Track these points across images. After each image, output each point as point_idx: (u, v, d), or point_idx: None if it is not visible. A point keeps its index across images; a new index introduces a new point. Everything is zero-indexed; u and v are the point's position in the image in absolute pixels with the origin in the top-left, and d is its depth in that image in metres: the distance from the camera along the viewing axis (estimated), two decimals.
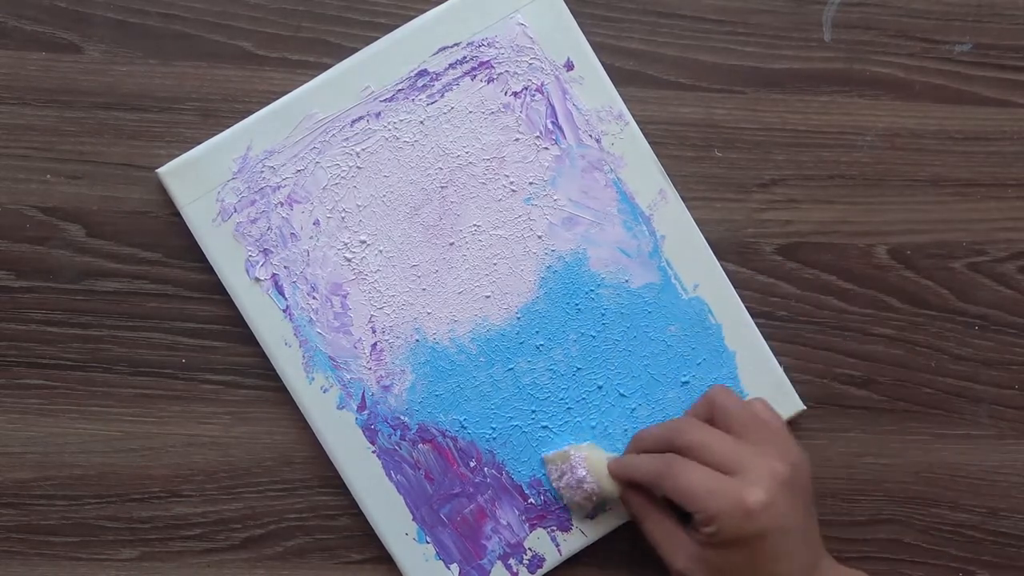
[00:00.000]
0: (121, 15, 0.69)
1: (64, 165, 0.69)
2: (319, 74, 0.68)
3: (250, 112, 0.68)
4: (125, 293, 0.70)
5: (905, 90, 0.71)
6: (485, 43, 0.68)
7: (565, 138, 0.69)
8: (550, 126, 0.69)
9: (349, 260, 0.68)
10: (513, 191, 0.68)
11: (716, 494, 0.61)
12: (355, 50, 0.68)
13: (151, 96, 0.69)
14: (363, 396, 0.68)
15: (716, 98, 0.71)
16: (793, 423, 0.71)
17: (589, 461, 0.67)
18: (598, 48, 0.69)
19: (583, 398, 0.69)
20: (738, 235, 0.71)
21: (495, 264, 0.69)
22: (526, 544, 0.69)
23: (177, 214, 0.69)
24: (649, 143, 0.69)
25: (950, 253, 0.71)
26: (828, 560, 0.65)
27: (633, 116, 0.69)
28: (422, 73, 0.68)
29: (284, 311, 0.68)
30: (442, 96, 0.68)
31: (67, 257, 0.69)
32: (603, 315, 0.69)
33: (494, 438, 0.69)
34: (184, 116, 0.69)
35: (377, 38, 0.68)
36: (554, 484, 0.69)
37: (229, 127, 0.68)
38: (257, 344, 0.69)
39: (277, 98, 0.68)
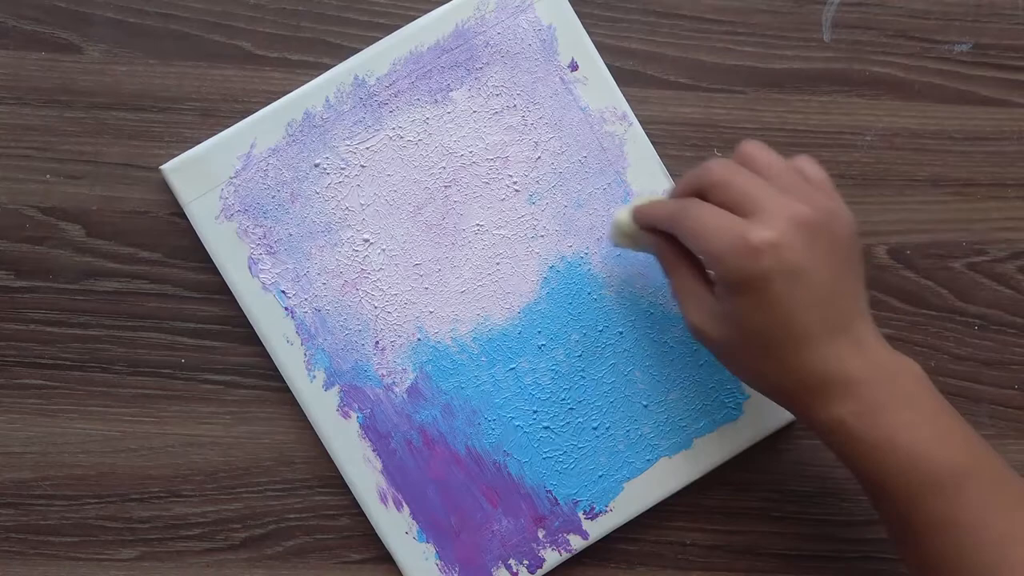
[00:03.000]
0: (121, 15, 0.69)
1: (64, 165, 0.69)
2: (319, 74, 0.68)
3: (250, 112, 0.68)
4: (125, 293, 0.69)
5: (905, 90, 0.71)
6: (489, 43, 0.68)
7: (569, 139, 0.69)
8: (554, 126, 0.69)
9: (352, 258, 0.68)
10: (516, 191, 0.69)
11: (721, 232, 0.55)
12: (355, 50, 0.69)
13: (151, 96, 0.69)
14: (364, 395, 0.68)
15: (716, 98, 0.71)
16: (793, 422, 0.71)
17: (634, 203, 0.64)
18: (598, 48, 0.69)
19: (585, 398, 0.69)
20: None
21: (497, 264, 0.69)
22: (527, 544, 0.69)
23: (177, 214, 0.69)
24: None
25: (950, 253, 0.71)
26: (868, 327, 0.58)
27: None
28: (425, 72, 0.68)
29: (286, 309, 0.68)
30: (446, 95, 0.68)
31: (67, 257, 0.69)
32: (605, 315, 0.69)
33: (495, 438, 0.69)
34: (184, 116, 0.69)
35: (377, 38, 0.68)
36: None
37: (229, 127, 0.67)
38: (257, 344, 0.69)
39: (277, 98, 0.68)
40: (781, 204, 0.56)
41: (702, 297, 0.60)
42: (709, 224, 0.56)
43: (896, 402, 0.56)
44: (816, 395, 0.57)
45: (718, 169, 0.58)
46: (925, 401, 0.58)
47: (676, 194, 0.62)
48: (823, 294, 0.56)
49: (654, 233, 0.62)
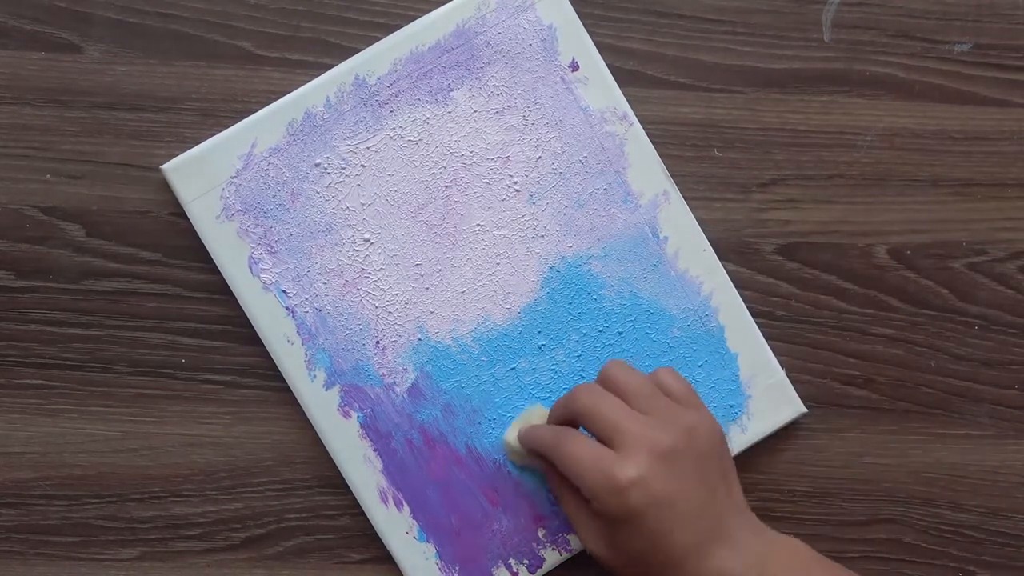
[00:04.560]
0: (121, 15, 0.69)
1: (64, 165, 0.69)
2: (319, 74, 0.68)
3: (250, 112, 0.68)
4: (125, 293, 0.69)
5: (905, 90, 0.71)
6: (490, 42, 0.68)
7: (569, 139, 0.69)
8: (554, 126, 0.69)
9: (353, 258, 0.68)
10: (517, 191, 0.69)
11: (592, 470, 0.59)
12: (355, 50, 0.68)
13: (151, 96, 0.69)
14: (365, 394, 0.68)
15: (716, 98, 0.71)
16: (793, 423, 0.71)
17: (521, 423, 0.68)
18: (599, 48, 0.69)
19: None
20: (738, 235, 0.71)
21: (498, 264, 0.69)
22: (527, 544, 0.69)
23: (177, 214, 0.69)
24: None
25: (950, 253, 0.71)
26: (744, 524, 0.62)
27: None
28: (426, 72, 0.68)
29: (287, 309, 0.68)
30: (446, 95, 0.68)
31: (67, 257, 0.69)
32: (605, 316, 0.69)
33: (496, 437, 0.69)
34: (184, 116, 0.69)
35: (378, 38, 0.68)
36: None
37: (229, 127, 0.67)
38: (257, 344, 0.69)
39: (277, 98, 0.68)
40: (641, 437, 0.59)
41: (591, 523, 0.63)
42: (580, 460, 0.60)
43: None
44: None
45: (583, 397, 0.62)
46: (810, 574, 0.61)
47: (553, 419, 0.66)
48: (693, 513, 0.60)
49: (540, 457, 0.65)
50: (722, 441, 0.63)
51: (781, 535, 0.62)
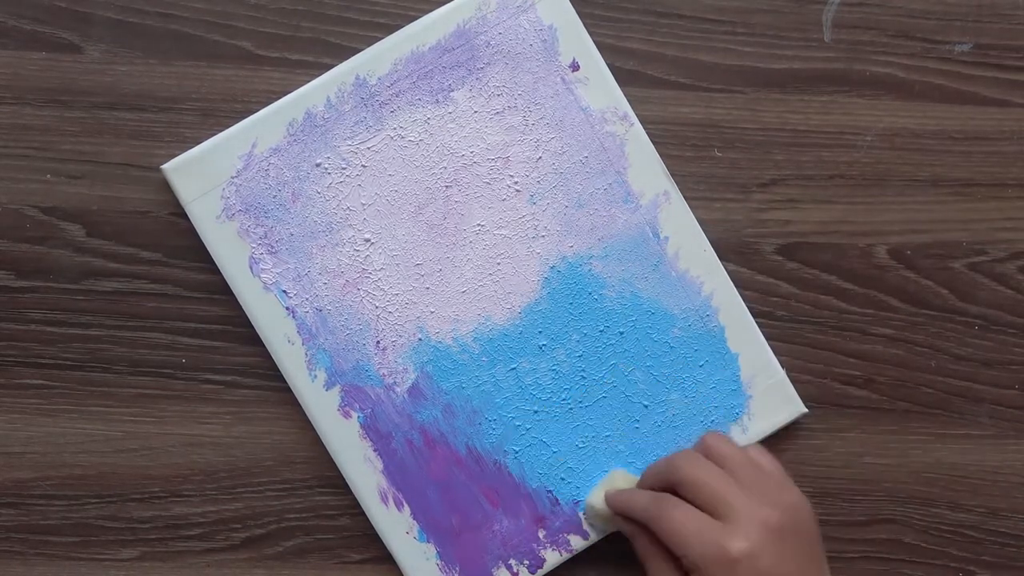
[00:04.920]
0: (121, 15, 0.69)
1: (64, 165, 0.69)
2: (319, 74, 0.68)
3: (250, 112, 0.68)
4: (125, 293, 0.69)
5: (905, 90, 0.71)
6: (490, 43, 0.68)
7: (570, 139, 0.69)
8: (555, 126, 0.69)
9: (353, 258, 0.68)
10: (517, 191, 0.69)
11: (700, 540, 0.59)
12: (356, 50, 0.68)
13: (151, 96, 0.69)
14: (365, 395, 0.68)
15: (716, 98, 0.71)
16: (793, 423, 0.71)
17: (605, 487, 0.68)
18: (599, 48, 0.69)
19: (585, 399, 0.69)
20: (738, 235, 0.71)
21: (498, 264, 0.69)
22: (527, 544, 0.69)
23: (177, 214, 0.69)
24: None
25: (950, 253, 0.72)
26: None
27: None
28: (426, 72, 0.68)
29: (287, 309, 0.68)
30: (447, 95, 0.68)
31: (67, 257, 0.69)
32: (606, 316, 0.69)
33: (496, 438, 0.69)
34: (184, 116, 0.69)
35: (378, 38, 0.68)
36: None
37: (229, 127, 0.67)
38: (257, 344, 0.69)
39: (277, 98, 0.68)
40: (752, 509, 0.60)
41: None
42: (687, 528, 0.60)
43: None
44: None
45: (687, 467, 0.62)
46: None
47: (646, 484, 0.66)
48: None
49: (628, 521, 0.65)
50: (816, 523, 0.63)
51: None
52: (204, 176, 0.67)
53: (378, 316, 0.68)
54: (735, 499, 0.60)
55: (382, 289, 0.68)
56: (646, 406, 0.70)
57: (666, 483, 0.63)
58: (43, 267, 0.69)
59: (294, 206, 0.68)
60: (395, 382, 0.69)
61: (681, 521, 0.60)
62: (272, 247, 0.68)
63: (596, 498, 0.68)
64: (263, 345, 0.68)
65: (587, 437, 0.69)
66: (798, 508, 0.62)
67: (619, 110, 0.69)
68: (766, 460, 0.64)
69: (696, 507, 0.61)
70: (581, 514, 0.70)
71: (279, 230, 0.68)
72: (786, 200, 0.71)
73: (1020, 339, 0.72)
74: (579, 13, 0.69)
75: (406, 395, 0.69)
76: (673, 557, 0.62)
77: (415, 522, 0.69)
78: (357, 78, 0.68)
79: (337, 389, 0.68)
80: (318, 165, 0.68)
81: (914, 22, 0.71)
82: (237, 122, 0.68)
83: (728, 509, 0.60)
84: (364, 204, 0.68)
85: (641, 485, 0.67)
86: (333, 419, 0.68)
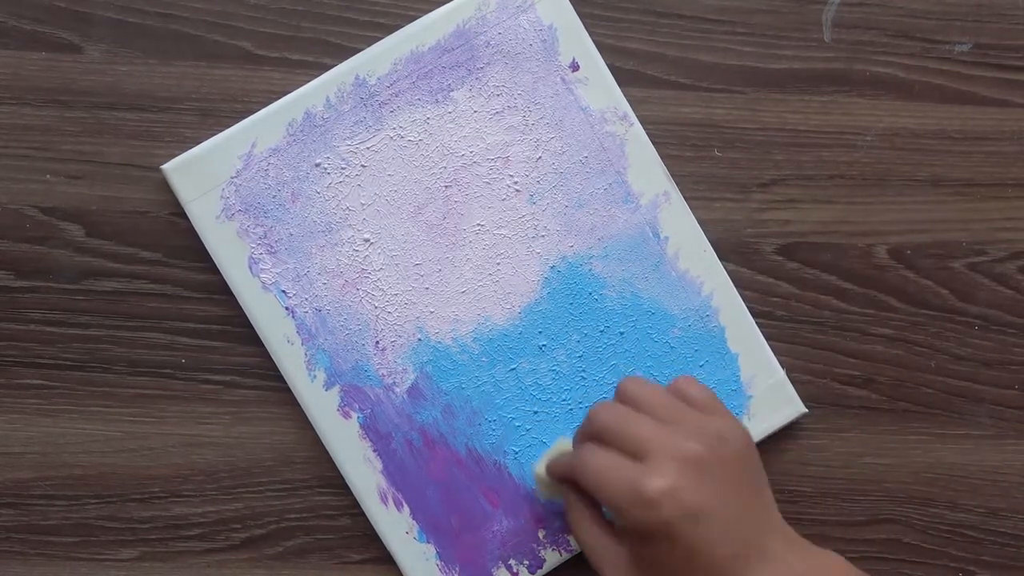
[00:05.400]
0: (121, 15, 0.69)
1: (64, 165, 0.69)
2: (319, 74, 0.68)
3: (250, 112, 0.68)
4: (125, 293, 0.69)
5: (905, 90, 0.71)
6: (490, 43, 0.68)
7: (570, 139, 0.69)
8: (555, 126, 0.69)
9: (352, 258, 0.68)
10: (517, 191, 0.69)
11: (617, 483, 0.56)
12: (355, 50, 0.68)
13: (151, 96, 0.69)
14: (365, 395, 0.68)
15: (716, 98, 0.71)
16: (793, 423, 0.71)
17: (551, 456, 0.66)
18: (599, 48, 0.69)
19: (586, 399, 0.69)
20: (738, 235, 0.71)
21: (498, 264, 0.69)
22: (527, 544, 0.69)
23: (177, 214, 0.69)
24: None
25: (950, 253, 0.72)
26: (781, 538, 0.59)
27: None
28: (426, 72, 0.68)
29: (286, 309, 0.68)
30: (447, 95, 0.68)
31: (67, 257, 0.69)
32: (606, 316, 0.69)
33: (496, 438, 0.69)
34: (184, 116, 0.69)
35: (378, 38, 0.68)
36: None
37: (229, 127, 0.67)
38: (257, 344, 0.69)
39: (277, 98, 0.68)
40: (668, 444, 0.57)
41: (612, 550, 0.60)
42: (604, 472, 0.57)
43: None
44: None
45: (604, 415, 0.59)
46: None
47: (576, 441, 0.63)
48: (727, 525, 0.56)
49: (565, 484, 0.63)
50: (752, 448, 0.60)
51: (820, 550, 0.59)
52: (204, 176, 0.67)
53: (377, 316, 0.68)
54: (650, 437, 0.57)
55: (381, 289, 0.68)
56: None
57: (590, 436, 0.61)
58: (43, 267, 0.69)
59: (294, 206, 0.68)
60: (395, 382, 0.69)
61: (597, 466, 0.57)
62: (271, 247, 0.68)
63: (540, 467, 0.66)
64: (262, 345, 0.68)
65: None
66: (723, 435, 0.58)
67: (619, 110, 0.69)
68: (695, 390, 0.61)
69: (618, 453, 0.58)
70: (532, 489, 0.69)
71: (279, 230, 0.68)
72: (786, 200, 0.71)
73: (1020, 339, 0.72)
74: (579, 13, 0.69)
75: (406, 395, 0.69)
76: (602, 517, 0.62)
77: (415, 522, 0.69)
78: (357, 78, 0.68)
79: (336, 389, 0.68)
80: (318, 165, 0.68)
81: (914, 22, 0.71)
82: (237, 122, 0.68)
83: (644, 448, 0.57)
84: (364, 204, 0.68)
85: (574, 445, 0.64)
86: (333, 419, 0.68)
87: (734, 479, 0.58)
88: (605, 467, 0.57)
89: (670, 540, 0.56)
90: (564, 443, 0.67)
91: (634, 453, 0.57)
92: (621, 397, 0.61)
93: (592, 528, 0.61)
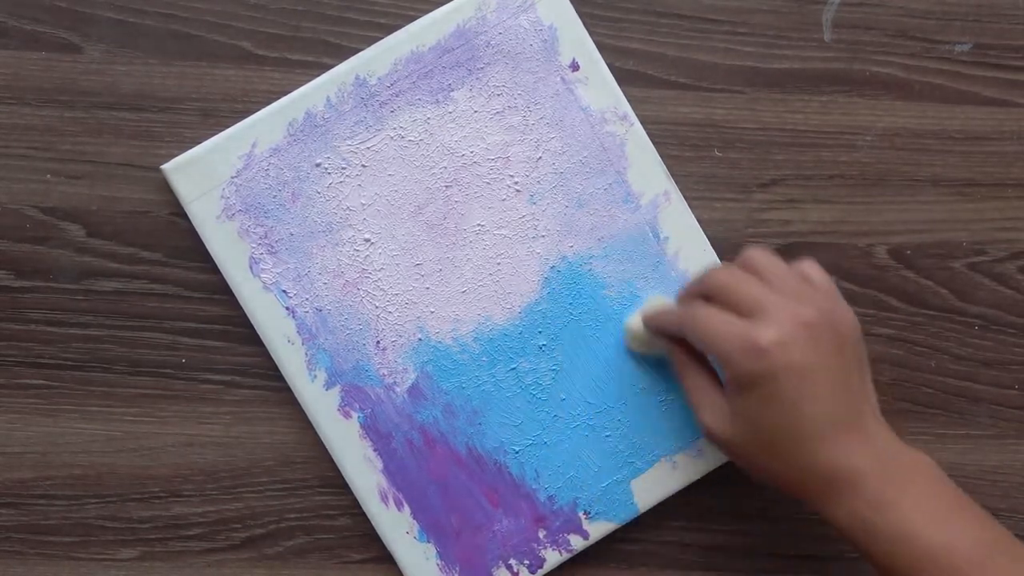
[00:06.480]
0: (121, 15, 0.69)
1: (64, 165, 0.69)
2: (319, 74, 0.68)
3: (250, 112, 0.68)
4: (125, 293, 0.69)
5: (905, 90, 0.71)
6: (490, 43, 0.68)
7: (570, 139, 0.69)
8: (555, 126, 0.69)
9: (353, 258, 0.68)
10: (517, 191, 0.69)
11: (729, 335, 0.58)
12: (355, 50, 0.68)
13: (151, 96, 0.69)
14: (365, 394, 0.68)
15: (716, 98, 0.71)
16: None
17: (644, 311, 0.67)
18: (599, 48, 0.69)
19: (585, 399, 0.69)
20: (738, 235, 0.71)
21: (498, 264, 0.69)
22: (527, 544, 0.69)
23: (177, 214, 0.69)
24: None
25: (950, 253, 0.72)
26: (876, 420, 0.60)
27: None
28: (426, 72, 0.68)
29: (287, 309, 0.68)
30: (447, 95, 0.68)
31: (67, 257, 0.69)
32: (606, 316, 0.69)
33: (496, 438, 0.69)
34: (184, 116, 0.69)
35: (378, 38, 0.68)
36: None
37: (229, 127, 0.67)
38: (257, 344, 0.69)
39: (277, 98, 0.68)
40: (784, 306, 0.58)
41: (713, 399, 0.62)
42: (717, 327, 0.58)
43: (908, 495, 0.57)
44: (828, 490, 0.58)
45: (722, 276, 0.61)
46: (938, 493, 0.58)
47: (681, 298, 0.64)
48: (829, 391, 0.58)
49: (666, 338, 0.65)
50: (862, 338, 0.61)
51: (911, 446, 0.60)
52: (204, 176, 0.67)
53: (378, 316, 0.68)
54: (766, 299, 0.58)
55: (382, 289, 0.68)
56: (646, 406, 0.69)
57: (701, 293, 0.62)
58: (43, 267, 0.69)
59: (294, 206, 0.68)
60: (395, 382, 0.69)
61: (707, 319, 0.59)
62: (272, 247, 0.68)
63: (634, 321, 0.67)
64: (263, 345, 0.68)
65: (587, 437, 0.69)
66: (840, 315, 0.60)
67: (619, 110, 0.69)
68: (817, 274, 0.62)
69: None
70: (624, 339, 0.69)
71: (279, 230, 0.68)
72: (786, 200, 0.71)
73: (1020, 339, 0.72)
74: (579, 13, 0.69)
75: (406, 395, 0.69)
76: (709, 369, 0.63)
77: (415, 522, 0.69)
78: (357, 78, 0.68)
79: (337, 389, 0.68)
80: (318, 165, 0.68)
81: (914, 22, 0.71)
82: (237, 122, 0.68)
83: (760, 307, 0.58)
84: (364, 204, 0.68)
85: (678, 302, 0.65)
86: (333, 419, 0.68)
87: (842, 355, 0.59)
88: (720, 319, 0.59)
89: (774, 392, 0.57)
90: (658, 300, 0.68)
91: (748, 312, 0.58)
92: (743, 263, 0.62)
93: (698, 376, 0.63)
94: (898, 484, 0.58)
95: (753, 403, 0.58)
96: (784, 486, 0.61)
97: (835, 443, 0.58)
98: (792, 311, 0.58)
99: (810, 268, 0.62)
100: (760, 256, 0.62)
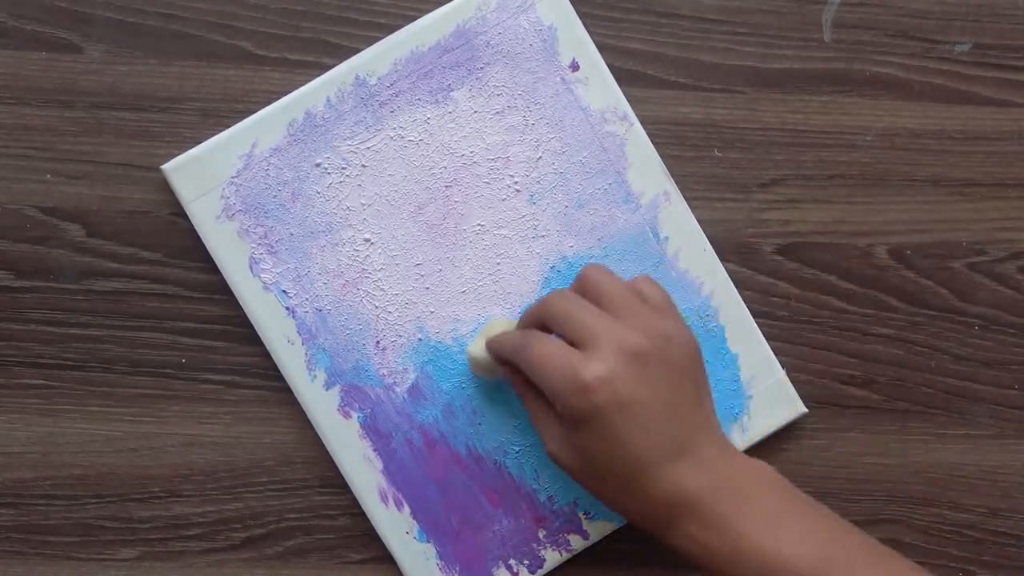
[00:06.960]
0: (121, 15, 0.69)
1: (64, 165, 0.69)
2: (319, 74, 0.68)
3: (250, 112, 0.68)
4: (125, 293, 0.69)
5: (905, 90, 0.71)
6: (490, 43, 0.68)
7: (569, 139, 0.69)
8: (555, 126, 0.69)
9: (353, 258, 0.68)
10: (517, 191, 0.69)
11: (557, 370, 0.57)
12: (355, 50, 0.68)
13: (151, 96, 0.69)
14: (365, 395, 0.68)
15: (716, 98, 0.71)
16: (793, 423, 0.71)
17: (485, 334, 0.66)
18: (599, 48, 0.69)
19: None
20: (738, 235, 0.71)
21: (498, 264, 0.69)
22: (527, 544, 0.69)
23: (177, 214, 0.69)
24: None
25: (950, 253, 0.72)
26: (712, 443, 0.60)
27: None
28: (426, 72, 0.68)
29: (287, 309, 0.68)
30: (447, 95, 0.68)
31: (67, 257, 0.69)
32: None
33: (496, 438, 0.69)
34: (184, 116, 0.69)
35: (378, 38, 0.68)
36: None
37: (229, 127, 0.67)
38: (257, 344, 0.69)
39: (277, 98, 0.68)
40: (613, 335, 0.57)
41: (554, 428, 0.61)
42: (546, 361, 0.58)
43: (742, 511, 0.58)
44: (664, 519, 0.59)
45: (556, 302, 0.60)
46: (776, 503, 0.59)
47: (522, 324, 0.64)
48: (659, 421, 0.58)
49: (506, 364, 0.64)
50: (697, 354, 0.61)
51: (749, 458, 0.61)
52: (204, 176, 0.67)
53: (378, 316, 0.68)
54: (598, 326, 0.58)
55: (382, 289, 0.68)
56: None
57: (538, 322, 0.62)
58: (43, 267, 0.69)
59: (294, 206, 0.68)
60: (395, 382, 0.69)
61: (540, 353, 0.58)
62: (272, 247, 0.68)
63: (476, 346, 0.66)
64: (263, 345, 0.68)
65: None
66: (671, 337, 0.59)
67: (619, 110, 0.69)
68: (653, 291, 0.62)
69: (565, 341, 0.59)
70: (468, 363, 0.69)
71: (279, 230, 0.68)
72: (786, 200, 0.71)
73: (1020, 339, 0.72)
74: (579, 13, 0.69)
75: (406, 395, 0.69)
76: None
77: (415, 522, 0.69)
78: (357, 78, 0.68)
79: (337, 389, 0.68)
80: (318, 165, 0.68)
81: (914, 22, 0.71)
82: (237, 122, 0.68)
83: (590, 337, 0.58)
84: (364, 204, 0.68)
85: (519, 328, 0.65)
86: (333, 419, 0.68)
87: (673, 380, 0.59)
88: (548, 353, 0.58)
89: (602, 427, 0.57)
90: (497, 323, 0.67)
91: (579, 341, 0.58)
92: (580, 281, 0.62)
93: (538, 403, 0.62)
94: (732, 502, 0.58)
95: (585, 437, 0.58)
96: (624, 514, 0.61)
97: (670, 471, 0.58)
98: (619, 340, 0.57)
99: (645, 285, 0.62)
100: (595, 276, 0.61)
